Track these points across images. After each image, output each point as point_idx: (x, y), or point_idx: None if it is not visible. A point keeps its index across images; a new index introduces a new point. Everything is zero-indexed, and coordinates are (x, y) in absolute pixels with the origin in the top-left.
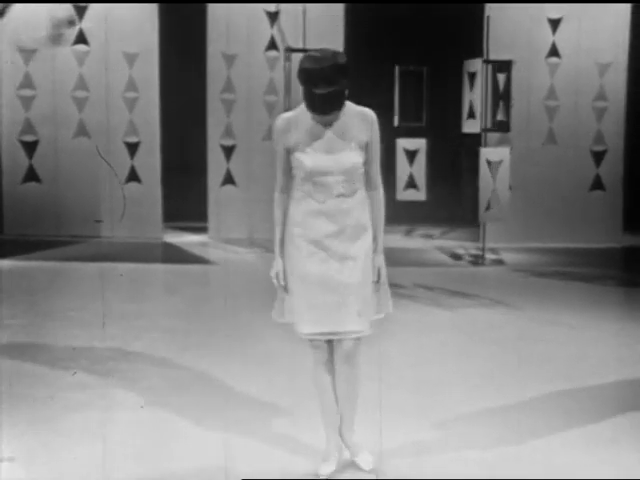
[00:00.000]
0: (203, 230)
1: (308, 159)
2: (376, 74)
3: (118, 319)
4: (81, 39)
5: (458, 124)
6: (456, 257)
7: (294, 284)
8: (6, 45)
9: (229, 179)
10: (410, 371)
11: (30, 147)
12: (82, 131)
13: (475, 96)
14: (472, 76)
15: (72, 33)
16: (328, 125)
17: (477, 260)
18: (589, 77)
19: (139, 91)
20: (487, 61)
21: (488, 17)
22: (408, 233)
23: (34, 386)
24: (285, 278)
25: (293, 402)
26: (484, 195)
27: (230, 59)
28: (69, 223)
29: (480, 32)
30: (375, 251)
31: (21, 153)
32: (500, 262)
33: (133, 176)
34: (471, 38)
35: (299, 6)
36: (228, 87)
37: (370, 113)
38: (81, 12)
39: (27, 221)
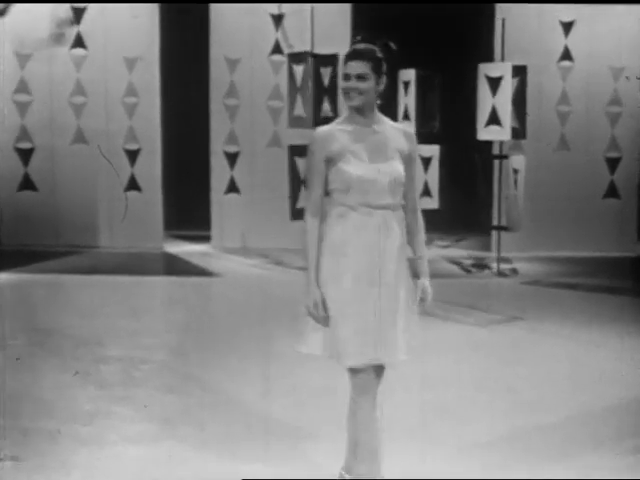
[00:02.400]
0: (205, 239)
1: (354, 168)
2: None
3: (122, 338)
4: (79, 42)
5: (470, 130)
6: (467, 270)
7: (337, 313)
8: (7, 45)
9: (233, 187)
10: (430, 394)
11: (26, 155)
12: (80, 138)
13: (501, 102)
14: (492, 80)
15: (72, 33)
16: (371, 133)
17: (490, 271)
18: (603, 81)
19: (139, 96)
20: None
21: (503, 20)
22: None
23: (40, 417)
24: (325, 308)
25: (325, 431)
26: (512, 204)
27: (233, 63)
28: (67, 233)
29: (489, 34)
30: (423, 274)
31: (16, 161)
32: (513, 272)
33: (133, 184)
34: (480, 40)
35: (305, 8)
36: (231, 92)
37: (410, 129)
38: (79, 14)
39: (23, 231)
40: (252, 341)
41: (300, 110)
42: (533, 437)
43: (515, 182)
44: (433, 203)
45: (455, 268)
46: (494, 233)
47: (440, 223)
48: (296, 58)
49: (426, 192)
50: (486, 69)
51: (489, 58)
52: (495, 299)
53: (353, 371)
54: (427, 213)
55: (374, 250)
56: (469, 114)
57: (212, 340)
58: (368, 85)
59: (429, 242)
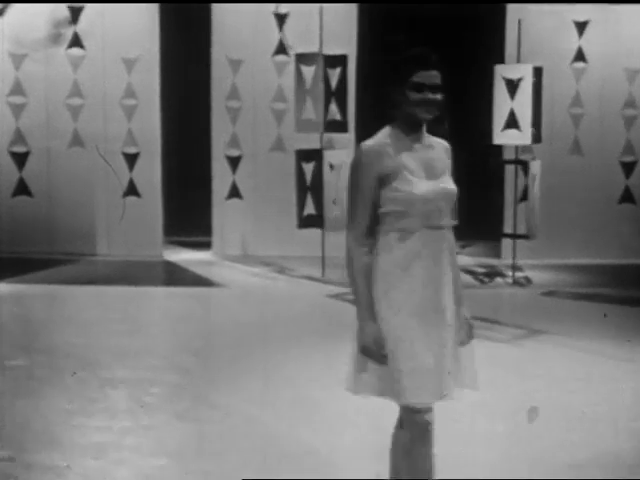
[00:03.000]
0: (206, 245)
1: (413, 187)
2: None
3: (128, 358)
4: (76, 42)
5: (479, 133)
6: (481, 280)
7: (397, 347)
8: (2, 45)
9: (235, 192)
10: (482, 423)
11: (21, 158)
12: (77, 141)
13: (520, 105)
14: (510, 82)
15: (69, 32)
16: (423, 148)
17: (504, 280)
18: (617, 83)
19: (138, 98)
20: None
21: (520, 20)
22: None
23: (45, 450)
24: (384, 346)
25: (359, 462)
26: (531, 211)
27: (236, 64)
28: (63, 240)
29: (500, 34)
30: (459, 303)
31: (11, 165)
32: (527, 281)
33: (132, 190)
34: (490, 41)
35: (309, 7)
36: (234, 94)
37: (448, 144)
38: (76, 13)
39: (18, 238)
40: (265, 359)
41: (310, 113)
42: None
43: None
44: None
45: (468, 277)
46: (504, 240)
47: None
48: (305, 59)
49: None
50: (503, 71)
51: (500, 59)
52: (514, 311)
53: (412, 410)
54: None
55: (437, 275)
56: (477, 117)
57: (222, 359)
58: (441, 97)
59: None
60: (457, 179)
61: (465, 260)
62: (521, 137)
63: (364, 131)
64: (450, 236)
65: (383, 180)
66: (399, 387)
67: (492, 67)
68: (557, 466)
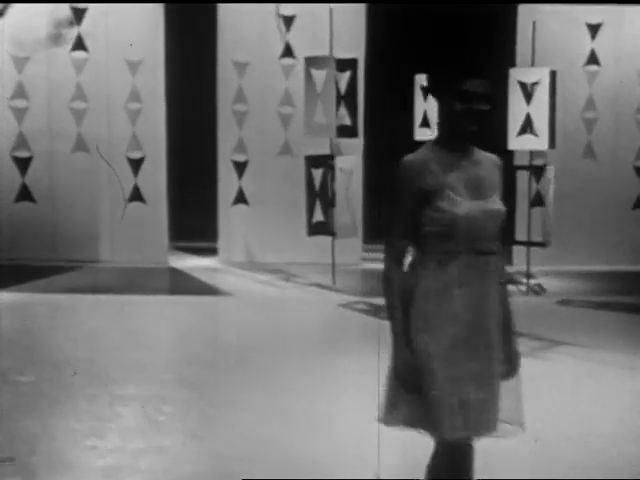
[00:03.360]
0: (211, 252)
1: (456, 207)
2: (399, 81)
3: (137, 372)
4: (79, 45)
5: (491, 137)
6: None
7: (433, 377)
8: (4, 47)
9: (241, 198)
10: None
11: (23, 163)
12: (80, 146)
13: (537, 109)
14: (526, 86)
15: (72, 33)
16: (469, 165)
17: (517, 288)
18: (631, 87)
19: (143, 102)
20: None
21: (534, 22)
22: None
23: (58, 475)
24: (417, 376)
25: None
26: (547, 217)
27: (242, 67)
28: (66, 247)
29: (511, 36)
30: (508, 333)
31: (14, 170)
32: (541, 290)
33: (136, 195)
34: (502, 43)
35: (316, 9)
36: (240, 97)
37: (498, 158)
38: (79, 15)
39: (20, 245)
40: (278, 372)
41: (320, 117)
42: None
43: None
44: None
45: None
46: (515, 246)
47: None
48: (314, 62)
49: None
50: (519, 74)
51: (511, 62)
52: (529, 321)
53: (450, 444)
54: None
55: (480, 303)
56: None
57: (234, 373)
58: (488, 108)
59: None
60: None
61: None
62: (538, 142)
63: (372, 136)
64: (497, 261)
65: (424, 198)
66: (433, 420)
67: (504, 70)
68: None
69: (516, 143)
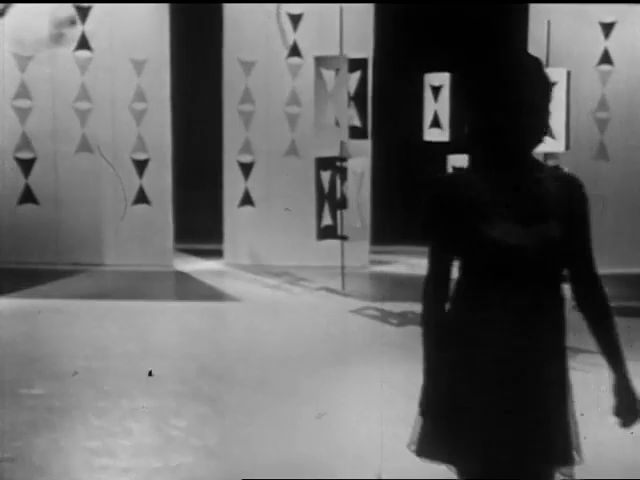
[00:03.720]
0: (217, 253)
1: (494, 231)
2: (408, 80)
3: (147, 383)
4: (83, 44)
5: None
6: None
7: (458, 415)
8: (6, 47)
9: (247, 199)
10: None
11: (27, 165)
12: (85, 147)
13: (554, 110)
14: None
15: (73, 33)
16: (523, 184)
17: None
18: None
19: (148, 102)
20: None
21: (549, 22)
22: None
23: None
24: (445, 410)
25: None
26: None
27: (248, 66)
28: (70, 250)
29: (522, 35)
30: (621, 375)
31: (17, 171)
32: None
33: (141, 197)
34: (511, 42)
35: (324, 8)
36: (246, 97)
37: (577, 177)
38: (84, 14)
39: (23, 248)
40: (292, 382)
41: (331, 118)
42: None
43: None
44: None
45: None
46: None
47: None
48: (325, 62)
49: None
50: None
51: None
52: None
53: None
54: None
55: (520, 341)
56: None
57: (248, 383)
58: (544, 117)
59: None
60: None
61: None
62: (555, 144)
63: (380, 137)
64: (551, 293)
65: (462, 220)
66: (457, 457)
67: None
68: None
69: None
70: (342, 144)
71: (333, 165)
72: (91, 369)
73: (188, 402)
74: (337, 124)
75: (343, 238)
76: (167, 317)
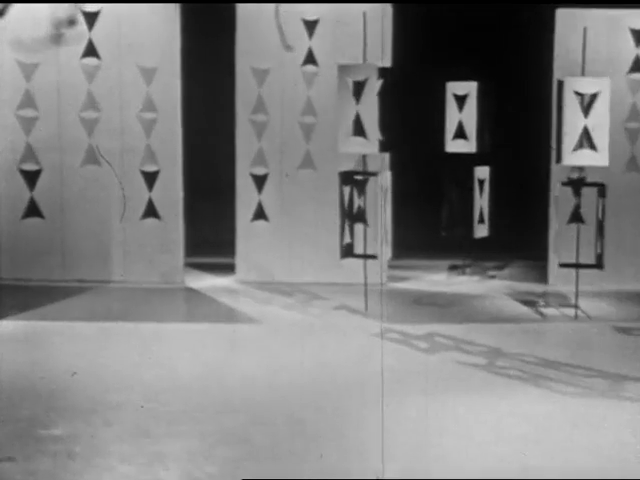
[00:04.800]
0: (228, 268)
1: None
2: (428, 88)
3: (171, 421)
4: (91, 51)
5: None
6: (541, 312)
7: None
8: (10, 54)
9: (260, 213)
10: None
11: (31, 177)
12: (92, 158)
13: (596, 122)
14: (583, 97)
15: (73, 33)
16: None
17: (558, 311)
18: None
19: (158, 111)
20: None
21: (585, 29)
22: (455, 271)
23: None
24: None
25: None
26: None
27: (262, 74)
28: (76, 265)
29: (548, 41)
30: None
31: (21, 184)
32: (586, 313)
33: (151, 211)
34: (537, 49)
35: (341, 13)
36: (259, 107)
37: None
38: (91, 19)
39: (28, 263)
40: (326, 420)
41: (359, 131)
42: None
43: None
44: (484, 230)
45: (525, 309)
46: (551, 263)
47: (487, 249)
48: (349, 70)
49: (480, 219)
50: (575, 84)
51: (547, 68)
52: (589, 352)
53: None
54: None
55: None
56: (521, 131)
57: (279, 420)
58: None
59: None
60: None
61: (511, 285)
62: (598, 158)
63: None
64: None
65: None
66: None
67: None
68: None
69: (572, 158)
70: (364, 158)
71: (351, 179)
72: (110, 404)
73: (217, 444)
74: (365, 137)
75: (370, 257)
76: (183, 342)
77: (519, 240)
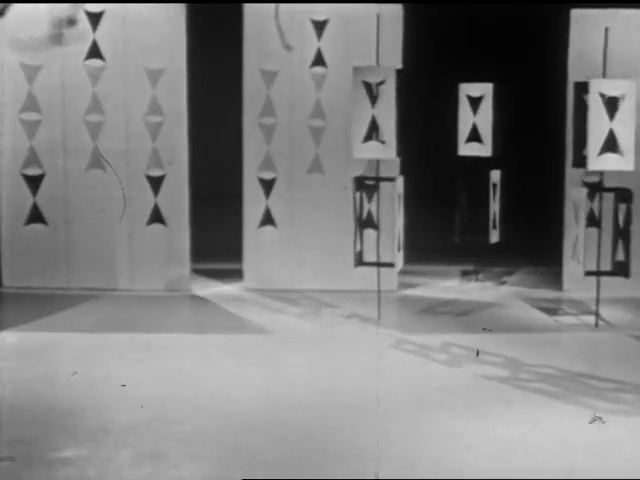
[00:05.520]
0: (235, 274)
1: None
2: (439, 90)
3: (189, 445)
4: (95, 52)
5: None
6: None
7: None
8: (12, 55)
9: (268, 219)
10: None
11: (34, 182)
12: (96, 162)
13: (622, 125)
14: (609, 100)
15: (74, 32)
16: None
17: (577, 318)
18: None
19: (164, 115)
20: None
21: (607, 29)
22: (466, 277)
23: None
24: None
25: None
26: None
27: (270, 76)
28: (81, 273)
29: (563, 41)
30: None
31: (24, 189)
32: (605, 321)
33: (156, 217)
34: (553, 49)
35: (351, 14)
36: (268, 110)
37: None
38: (95, 20)
39: (31, 271)
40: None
41: (375, 135)
42: None
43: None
44: (496, 236)
45: (542, 317)
46: (566, 269)
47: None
48: (368, 72)
49: (493, 224)
50: (601, 86)
51: (561, 69)
52: (613, 364)
53: None
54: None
55: None
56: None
57: (310, 442)
58: None
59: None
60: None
61: (525, 292)
62: (623, 162)
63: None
64: None
65: None
66: None
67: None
68: None
69: (597, 163)
70: (377, 162)
71: (363, 185)
72: (122, 425)
73: (240, 468)
74: (382, 141)
75: (387, 265)
76: (194, 354)
77: (530, 245)
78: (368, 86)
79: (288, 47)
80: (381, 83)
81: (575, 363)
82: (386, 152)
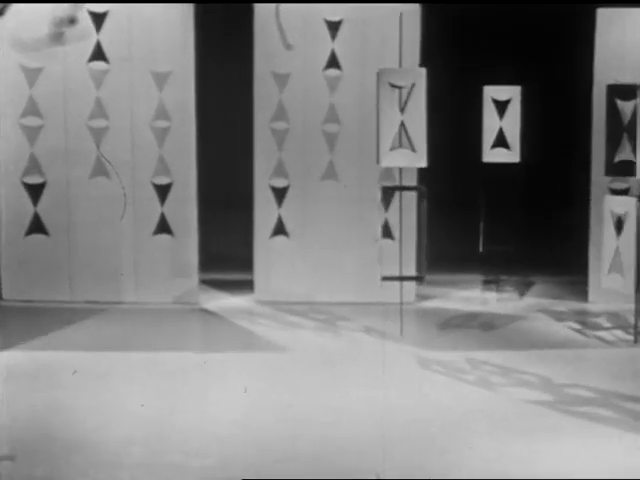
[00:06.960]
0: (243, 285)
1: None
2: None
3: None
4: (99, 54)
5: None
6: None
7: None
8: (12, 57)
9: (280, 229)
10: None
11: (36, 191)
12: (100, 170)
13: None
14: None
15: (74, 32)
16: None
17: (615, 335)
18: None
19: (171, 120)
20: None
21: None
22: (486, 287)
23: None
24: None
25: None
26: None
27: (282, 80)
28: (83, 286)
29: (588, 43)
30: None
31: (25, 198)
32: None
33: (163, 227)
34: (577, 51)
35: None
36: (280, 114)
37: None
38: (99, 21)
39: (32, 284)
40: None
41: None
42: None
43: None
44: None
45: (571, 331)
46: (592, 279)
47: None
48: (396, 76)
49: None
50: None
51: (587, 71)
52: None
53: None
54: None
55: None
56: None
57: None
58: None
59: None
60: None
61: (545, 304)
62: None
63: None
64: None
65: None
66: None
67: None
68: None
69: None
70: (400, 170)
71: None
72: (138, 460)
73: None
74: (412, 148)
75: (416, 279)
76: (208, 375)
77: (553, 254)
78: (395, 90)
79: (289, 46)
80: (410, 87)
81: (618, 384)
82: (416, 160)
